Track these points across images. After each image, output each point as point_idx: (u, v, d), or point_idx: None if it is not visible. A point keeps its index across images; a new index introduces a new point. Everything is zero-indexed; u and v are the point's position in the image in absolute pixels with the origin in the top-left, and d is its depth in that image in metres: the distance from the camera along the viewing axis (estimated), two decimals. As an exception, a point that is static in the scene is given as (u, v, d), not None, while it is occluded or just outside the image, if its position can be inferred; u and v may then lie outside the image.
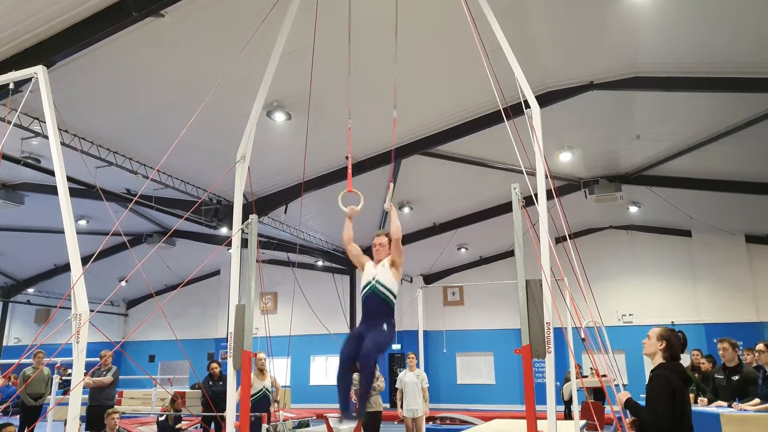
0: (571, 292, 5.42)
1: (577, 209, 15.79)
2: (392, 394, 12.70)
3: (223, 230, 13.91)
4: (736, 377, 6.54)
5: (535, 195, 4.39)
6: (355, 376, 8.66)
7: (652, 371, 3.79)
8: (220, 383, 9.81)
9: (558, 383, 13.31)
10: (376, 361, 4.67)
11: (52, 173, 5.45)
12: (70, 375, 5.20)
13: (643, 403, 3.75)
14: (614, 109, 11.41)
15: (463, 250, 19.82)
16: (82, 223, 15.72)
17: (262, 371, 8.99)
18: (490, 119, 11.05)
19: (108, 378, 9.09)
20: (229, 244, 5.42)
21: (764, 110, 10.44)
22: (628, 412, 3.78)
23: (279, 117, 10.15)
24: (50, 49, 7.31)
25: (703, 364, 8.82)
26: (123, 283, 18.73)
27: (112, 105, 9.63)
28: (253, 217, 5.34)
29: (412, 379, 9.86)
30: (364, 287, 4.81)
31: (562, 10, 8.61)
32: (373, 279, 4.76)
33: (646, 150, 13.13)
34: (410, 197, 15.31)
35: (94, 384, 8.96)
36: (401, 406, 9.82)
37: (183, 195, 12.54)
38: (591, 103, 10.97)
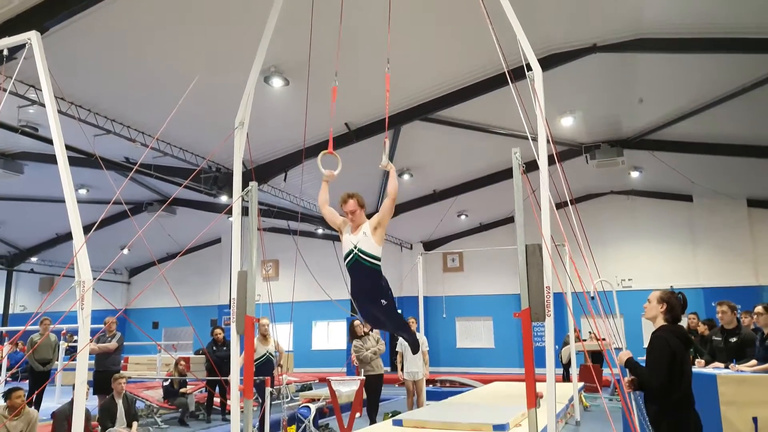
0: (572, 257, 5.44)
1: (578, 174, 15.74)
2: (393, 357, 12.87)
3: (223, 198, 13.90)
4: (734, 339, 6.61)
5: (537, 159, 4.37)
6: (356, 342, 8.77)
7: (653, 333, 3.83)
8: (224, 348, 9.94)
9: (557, 347, 13.48)
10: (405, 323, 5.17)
11: (50, 142, 5.44)
12: (76, 341, 5.27)
13: (643, 363, 3.80)
14: (617, 73, 11.27)
15: (463, 216, 19.84)
16: (83, 192, 15.71)
17: (265, 336, 9.11)
18: (491, 83, 10.94)
19: (113, 344, 9.21)
20: (230, 212, 5.42)
21: (769, 72, 10.33)
22: (627, 371, 3.84)
23: (277, 83, 10.04)
24: (43, 14, 7.20)
25: (700, 327, 8.91)
26: (125, 251, 18.89)
27: (108, 72, 9.52)
28: (253, 184, 5.33)
29: (413, 343, 9.98)
30: (347, 256, 4.59)
31: (564, -30, 8.44)
32: (355, 248, 4.53)
33: (648, 114, 13.02)
34: (410, 164, 15.25)
35: (99, 350, 9.08)
36: (402, 369, 9.96)
37: (182, 163, 12.50)
38: (593, 67, 10.83)
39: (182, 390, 9.98)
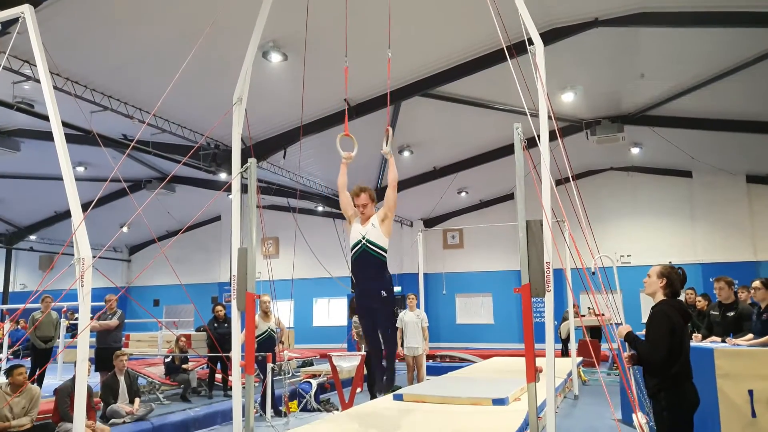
0: (572, 232, 5.44)
1: (578, 150, 15.69)
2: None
3: (222, 175, 13.86)
4: (732, 314, 6.65)
5: (538, 135, 4.34)
6: (356, 318, 8.73)
7: (653, 307, 3.85)
8: (225, 325, 9.99)
9: (556, 322, 13.58)
10: (395, 341, 5.14)
11: (46, 118, 5.39)
12: (77, 319, 5.29)
13: (642, 338, 3.83)
14: (618, 47, 11.16)
15: (463, 193, 19.83)
16: (80, 169, 15.66)
17: (266, 313, 9.16)
18: (492, 58, 10.83)
19: (114, 321, 9.25)
20: (229, 190, 5.40)
21: (772, 46, 10.23)
22: (626, 345, 3.86)
23: (275, 58, 9.94)
24: (37, -12, 7.07)
25: (699, 302, 8.96)
26: (124, 229, 18.84)
27: (104, 47, 9.41)
28: (251, 161, 5.31)
29: (412, 319, 10.05)
30: (354, 246, 4.74)
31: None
32: (363, 239, 4.69)
33: (649, 89, 12.93)
34: (410, 141, 15.17)
35: (100, 327, 9.13)
36: (402, 345, 10.04)
37: (181, 140, 12.44)
38: (595, 41, 10.71)
39: (184, 366, 10.06)
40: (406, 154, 15.40)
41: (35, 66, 5.72)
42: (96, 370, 8.98)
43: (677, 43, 10.79)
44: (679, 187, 18.92)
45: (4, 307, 21.02)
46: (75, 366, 4.85)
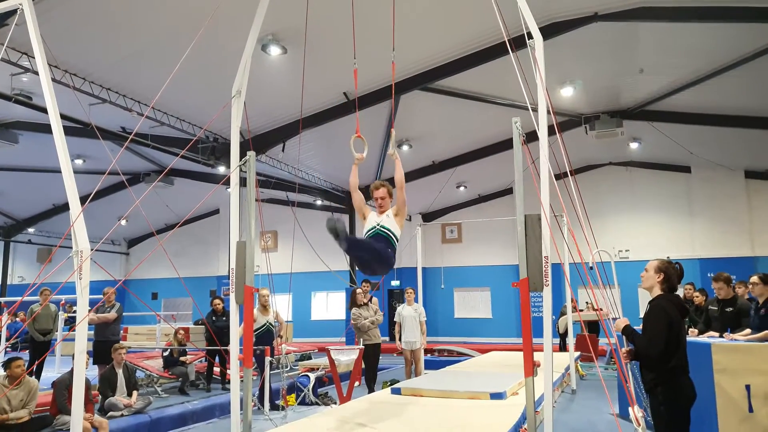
0: (570, 227, 5.45)
1: (577, 145, 15.68)
2: (391, 327, 12.99)
3: (221, 169, 13.84)
4: (730, 309, 6.66)
5: (537, 129, 4.34)
6: (355, 311, 8.74)
7: (650, 302, 3.86)
8: (224, 318, 9.99)
9: (554, 317, 13.62)
10: (383, 252, 4.70)
11: (44, 111, 5.37)
12: (75, 312, 5.29)
13: (639, 332, 3.83)
14: (618, 42, 11.15)
15: (462, 188, 19.83)
16: (79, 162, 15.63)
17: (265, 307, 9.16)
18: (492, 52, 10.82)
19: (112, 314, 9.24)
20: (227, 183, 5.39)
21: (771, 42, 10.22)
22: (624, 339, 3.87)
23: (274, 51, 9.92)
24: (35, -20, 7.03)
25: (697, 297, 8.98)
26: (123, 222, 18.80)
27: (103, 39, 9.38)
28: (250, 154, 5.30)
29: (410, 313, 10.05)
30: (368, 230, 4.86)
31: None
32: (378, 225, 4.82)
33: (648, 84, 12.92)
34: (409, 135, 15.16)
35: (98, 320, 9.12)
36: (400, 339, 10.05)
37: (180, 133, 12.41)
38: (594, 36, 10.70)
39: (182, 359, 10.07)
40: (405, 148, 15.38)
41: (33, 58, 5.69)
42: (94, 363, 8.99)
43: (677, 38, 10.77)
44: (677, 182, 18.94)
45: (3, 299, 21.02)
46: (73, 359, 4.86)
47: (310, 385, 9.31)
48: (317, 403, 9.11)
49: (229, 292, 5.19)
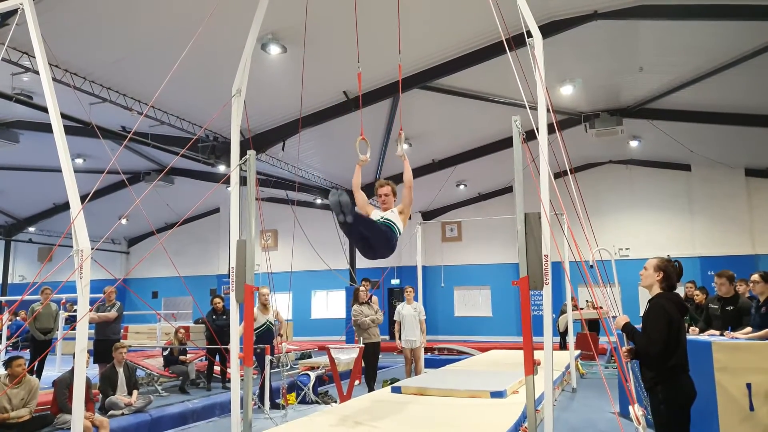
0: (570, 226, 5.45)
1: (577, 144, 15.68)
2: (391, 326, 13.00)
3: (221, 168, 13.84)
4: (731, 307, 6.66)
5: (536, 128, 4.34)
6: (356, 307, 8.75)
7: (649, 300, 3.86)
8: (224, 317, 10.00)
9: (554, 315, 13.62)
10: (387, 232, 4.69)
11: (45, 110, 5.37)
12: (76, 311, 5.30)
13: (639, 330, 3.83)
14: (618, 40, 11.14)
15: (461, 186, 19.82)
16: (79, 161, 15.63)
17: (265, 305, 9.17)
18: (491, 51, 10.81)
19: (112, 313, 9.25)
20: (228, 182, 5.40)
21: (771, 40, 10.21)
22: (624, 338, 3.87)
23: (274, 50, 9.91)
24: (35, -21, 7.03)
25: (697, 296, 8.98)
26: (123, 221, 18.77)
27: (103, 39, 9.38)
28: (250, 153, 5.31)
29: (410, 312, 10.06)
30: None
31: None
32: (382, 218, 4.88)
33: (648, 82, 12.91)
34: (409, 133, 15.13)
35: (99, 319, 9.13)
36: (400, 338, 10.06)
37: (180, 132, 12.42)
38: (594, 34, 10.69)
39: (182, 358, 10.07)
40: (405, 146, 15.33)
41: (34, 57, 5.71)
42: (95, 362, 9.00)
43: (676, 36, 10.76)
44: (677, 180, 18.92)
45: (3, 298, 21.05)
46: (74, 357, 4.86)
47: (311, 384, 9.32)
48: (317, 402, 9.11)
49: (230, 291, 5.19)
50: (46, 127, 6.04)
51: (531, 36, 4.50)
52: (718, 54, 11.14)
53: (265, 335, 8.99)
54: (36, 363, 9.16)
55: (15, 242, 24.53)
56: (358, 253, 5.08)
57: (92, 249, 4.74)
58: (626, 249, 18.69)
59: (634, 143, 16.78)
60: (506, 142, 15.25)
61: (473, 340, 18.35)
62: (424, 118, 14.47)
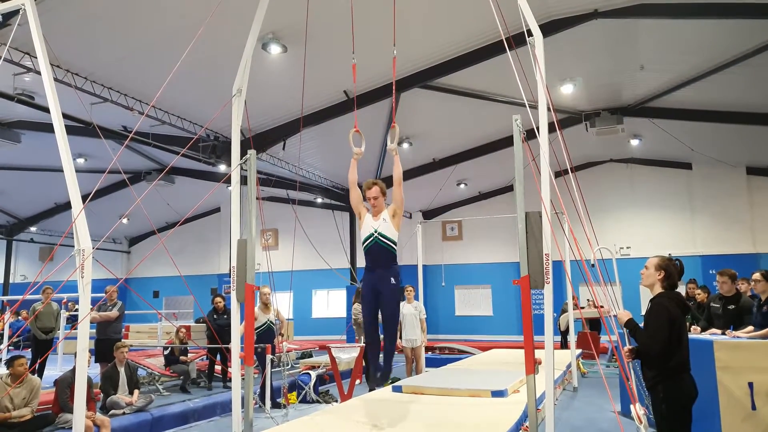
0: (571, 225, 5.45)
1: (578, 143, 15.67)
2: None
3: (222, 167, 13.85)
4: (733, 306, 6.65)
5: (537, 127, 4.34)
6: (357, 306, 8.72)
7: (651, 300, 3.86)
8: (225, 317, 10.01)
9: (555, 314, 13.62)
10: (395, 335, 5.08)
11: (47, 110, 5.38)
12: (77, 310, 5.31)
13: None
14: (618, 39, 11.13)
15: (462, 185, 19.81)
16: (81, 161, 15.65)
17: (266, 305, 9.17)
18: (492, 50, 10.80)
19: (114, 313, 9.27)
20: (228, 181, 5.40)
21: (772, 38, 10.20)
22: (626, 338, 3.87)
23: (275, 50, 9.92)
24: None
25: (699, 294, 8.97)
26: (124, 220, 18.76)
27: (104, 39, 9.39)
28: (251, 152, 5.31)
29: (410, 311, 10.06)
30: (366, 239, 4.90)
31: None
32: (375, 232, 4.85)
33: (649, 81, 12.90)
34: (410, 132, 15.15)
35: (100, 318, 9.14)
36: (400, 337, 10.04)
37: (181, 131, 12.43)
38: (595, 33, 10.69)
39: (183, 358, 10.09)
40: (405, 145, 15.37)
41: (36, 58, 5.70)
42: (96, 361, 9.00)
43: (677, 34, 10.75)
44: (678, 179, 18.90)
45: (5, 298, 21.06)
46: (75, 357, 4.87)
47: (311, 383, 9.32)
48: (318, 401, 9.12)
49: (231, 290, 5.20)
50: (48, 127, 6.05)
51: (531, 35, 4.50)
52: (719, 52, 11.13)
53: (266, 334, 9.00)
54: (38, 362, 9.17)
55: (16, 242, 24.53)
56: (358, 253, 5.10)
57: (93, 248, 4.74)
58: (627, 248, 18.69)
59: (634, 142, 16.77)
60: (507, 141, 15.25)
61: (474, 339, 18.35)
62: (425, 118, 14.47)
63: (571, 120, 14.41)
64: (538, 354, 4.15)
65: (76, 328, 4.57)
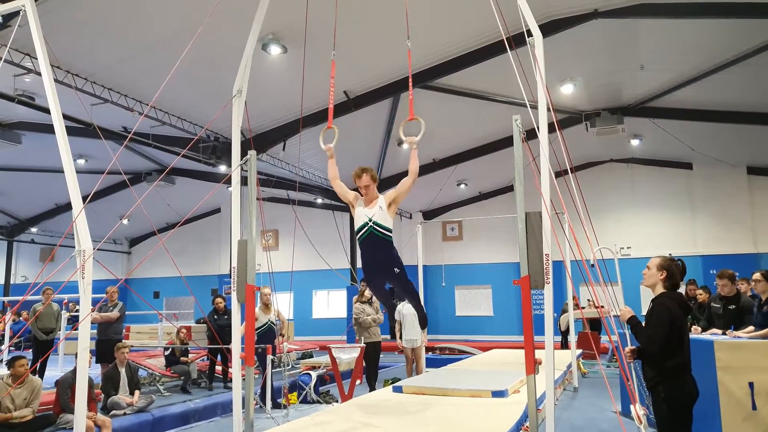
0: (571, 224, 5.45)
1: (578, 143, 15.67)
2: (392, 325, 13.01)
3: (222, 168, 13.86)
4: (733, 306, 6.65)
5: (537, 127, 4.34)
6: (358, 306, 8.77)
7: (653, 300, 3.86)
8: (225, 317, 10.01)
9: (555, 314, 13.61)
10: (416, 292, 5.14)
11: (47, 111, 5.38)
12: (78, 311, 5.31)
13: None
14: (618, 39, 11.13)
15: (462, 186, 19.82)
16: (81, 162, 15.65)
17: (267, 305, 9.18)
18: (492, 50, 10.81)
19: (114, 313, 9.27)
20: (229, 182, 5.40)
21: (772, 37, 10.20)
22: (627, 338, 3.87)
23: (275, 50, 9.92)
24: (36, -20, 7.04)
25: (700, 295, 8.97)
26: (124, 221, 18.76)
27: (104, 40, 9.40)
28: (251, 153, 5.31)
29: (411, 311, 10.02)
30: (361, 228, 4.75)
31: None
32: (370, 221, 4.70)
33: (649, 81, 12.90)
34: (410, 132, 15.13)
35: (101, 319, 9.15)
36: (400, 337, 10.05)
37: (181, 132, 12.43)
38: (595, 33, 10.69)
39: (184, 358, 10.09)
40: (405, 146, 15.35)
41: (36, 59, 5.71)
42: (97, 362, 9.01)
43: (677, 34, 10.75)
44: (679, 178, 18.90)
45: (6, 298, 21.08)
46: (76, 357, 4.88)
47: (312, 384, 9.32)
48: (319, 402, 9.12)
49: (231, 291, 5.20)
50: (48, 128, 6.05)
51: (531, 35, 4.50)
52: (719, 52, 11.13)
53: (267, 335, 9.00)
54: (38, 363, 9.18)
55: (17, 243, 24.56)
56: (358, 253, 5.06)
57: (94, 249, 4.75)
58: (628, 248, 18.65)
59: (635, 142, 16.77)
60: (507, 141, 15.24)
61: (474, 339, 18.35)
62: (425, 118, 14.17)
63: (571, 120, 14.41)
64: (539, 354, 4.15)
65: (76, 329, 4.58)
